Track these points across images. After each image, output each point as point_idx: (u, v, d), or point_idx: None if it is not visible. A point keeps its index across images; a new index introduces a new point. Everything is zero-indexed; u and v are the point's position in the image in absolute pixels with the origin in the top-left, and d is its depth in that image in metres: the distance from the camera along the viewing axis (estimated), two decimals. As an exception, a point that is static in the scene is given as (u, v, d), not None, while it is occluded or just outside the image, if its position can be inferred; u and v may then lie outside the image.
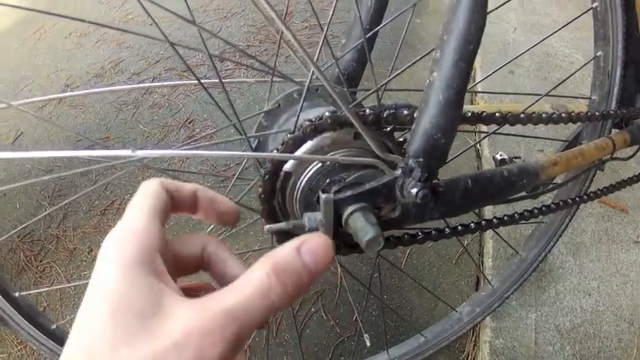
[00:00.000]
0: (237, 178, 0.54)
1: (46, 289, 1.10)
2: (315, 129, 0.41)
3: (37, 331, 0.64)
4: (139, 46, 1.87)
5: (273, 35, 1.74)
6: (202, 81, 0.45)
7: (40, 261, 1.19)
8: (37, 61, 1.96)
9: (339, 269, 1.04)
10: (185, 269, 0.28)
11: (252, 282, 0.22)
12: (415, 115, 0.42)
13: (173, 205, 0.27)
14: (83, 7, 2.30)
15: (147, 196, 0.26)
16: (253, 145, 0.51)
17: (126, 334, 0.19)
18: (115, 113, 1.59)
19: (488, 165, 1.20)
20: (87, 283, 0.22)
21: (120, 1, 2.24)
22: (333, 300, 1.00)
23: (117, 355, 0.19)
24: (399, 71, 0.48)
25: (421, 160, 0.41)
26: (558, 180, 0.72)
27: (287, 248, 0.23)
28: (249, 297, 0.21)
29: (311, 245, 0.23)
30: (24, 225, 1.24)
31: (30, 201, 1.35)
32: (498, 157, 0.71)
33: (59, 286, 1.10)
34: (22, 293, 0.65)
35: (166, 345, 0.19)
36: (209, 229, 0.71)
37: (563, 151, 0.76)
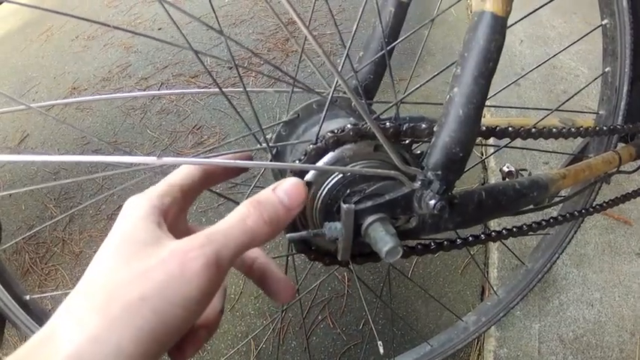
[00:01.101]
0: (254, 186, 0.55)
1: (55, 293, 1.10)
2: (338, 140, 0.42)
3: (47, 333, 0.64)
4: (147, 51, 1.87)
5: (281, 43, 1.75)
6: (224, 90, 0.46)
7: (45, 263, 1.18)
8: (44, 62, 1.96)
9: (346, 278, 1.04)
10: None
11: (233, 214, 0.26)
12: (434, 129, 0.43)
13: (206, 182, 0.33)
14: (92, 10, 2.31)
15: (173, 175, 0.30)
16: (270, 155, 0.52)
17: (126, 257, 0.23)
18: (122, 118, 1.59)
19: (494, 176, 1.21)
20: None
21: (128, 5, 2.25)
22: (340, 308, 1.00)
23: (115, 273, 0.23)
24: (419, 85, 0.49)
25: (440, 172, 0.42)
26: (564, 193, 0.74)
27: (265, 190, 0.28)
28: (228, 225, 0.25)
29: (285, 185, 0.28)
30: (33, 230, 1.23)
31: (36, 203, 1.35)
32: (505, 169, 0.72)
33: (67, 291, 1.10)
34: (34, 296, 0.66)
35: (156, 262, 0.23)
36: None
37: (569, 164, 0.78)
